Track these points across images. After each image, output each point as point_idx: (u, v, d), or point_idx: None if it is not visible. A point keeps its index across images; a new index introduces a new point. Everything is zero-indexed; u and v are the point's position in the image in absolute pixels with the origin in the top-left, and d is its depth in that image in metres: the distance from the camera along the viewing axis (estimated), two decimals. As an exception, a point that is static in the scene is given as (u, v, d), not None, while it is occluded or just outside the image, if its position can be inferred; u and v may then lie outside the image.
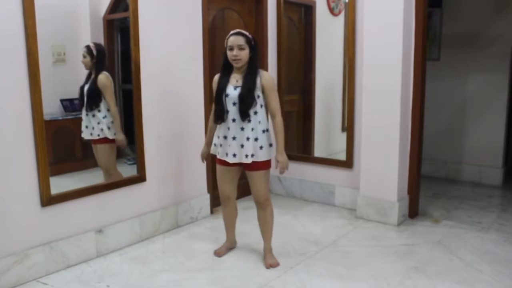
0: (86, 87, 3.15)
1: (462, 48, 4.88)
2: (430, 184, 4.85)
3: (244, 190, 3.90)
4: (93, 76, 3.14)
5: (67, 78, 3.17)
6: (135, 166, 3.38)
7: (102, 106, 3.17)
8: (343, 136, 4.12)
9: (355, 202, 3.95)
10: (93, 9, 3.27)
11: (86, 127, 3.20)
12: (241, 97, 2.68)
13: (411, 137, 3.74)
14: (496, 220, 3.81)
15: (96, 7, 3.28)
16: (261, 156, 2.76)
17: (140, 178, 3.34)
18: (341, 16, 4.57)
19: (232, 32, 2.74)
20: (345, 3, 3.97)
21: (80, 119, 3.19)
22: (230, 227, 3.13)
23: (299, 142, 4.85)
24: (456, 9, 4.90)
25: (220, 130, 2.82)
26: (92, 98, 3.14)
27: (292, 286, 2.67)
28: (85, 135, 3.21)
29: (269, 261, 2.92)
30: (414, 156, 3.76)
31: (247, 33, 2.73)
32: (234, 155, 2.76)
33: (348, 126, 4.00)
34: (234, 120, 2.73)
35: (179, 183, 3.65)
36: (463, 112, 5.01)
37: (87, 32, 3.25)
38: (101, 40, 3.29)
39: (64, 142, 3.24)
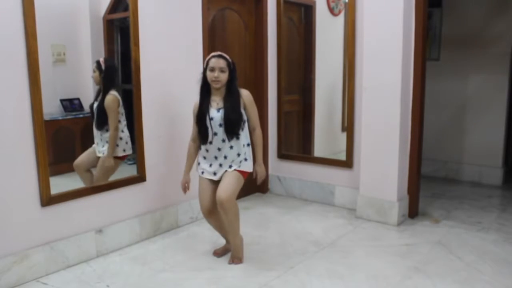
0: (95, 105, 3.16)
1: (462, 48, 4.88)
2: (430, 184, 4.85)
3: (243, 190, 3.89)
4: (101, 94, 3.14)
5: (67, 78, 3.17)
6: (135, 166, 3.38)
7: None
8: (343, 136, 4.12)
9: (355, 202, 3.95)
10: (93, 9, 3.27)
11: (97, 143, 3.22)
12: (226, 117, 2.78)
13: (411, 137, 3.74)
14: (496, 220, 3.81)
15: (96, 7, 3.28)
16: (243, 167, 2.88)
17: (140, 178, 3.34)
18: (341, 16, 4.58)
19: (213, 54, 2.83)
20: (345, 3, 3.97)
21: (80, 119, 3.19)
22: (223, 232, 3.09)
23: (299, 142, 4.86)
24: (456, 9, 4.90)
25: (209, 152, 2.88)
26: (100, 117, 3.15)
27: (292, 286, 2.67)
28: (98, 152, 3.22)
29: (234, 256, 2.96)
30: (414, 156, 3.76)
31: (227, 57, 2.83)
32: (214, 174, 2.89)
33: (348, 126, 4.00)
34: (223, 141, 2.84)
35: (179, 183, 3.63)
36: (463, 112, 5.01)
37: (87, 32, 3.25)
38: (101, 40, 3.29)
39: (64, 142, 3.24)
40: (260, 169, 2.93)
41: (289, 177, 4.48)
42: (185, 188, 3.04)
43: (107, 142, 3.18)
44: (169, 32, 3.46)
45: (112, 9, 3.33)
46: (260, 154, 2.93)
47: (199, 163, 2.98)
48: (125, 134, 3.27)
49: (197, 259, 3.05)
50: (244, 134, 2.88)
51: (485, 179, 4.94)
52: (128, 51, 3.23)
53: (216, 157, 2.87)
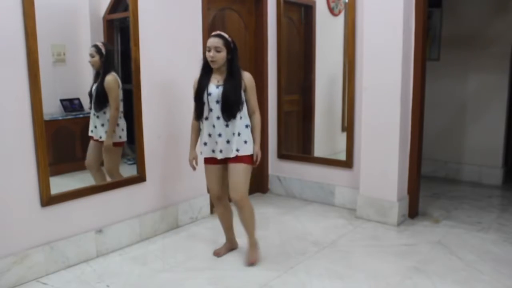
0: (93, 88, 3.15)
1: (462, 48, 4.88)
2: (430, 184, 4.85)
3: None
4: (101, 76, 3.13)
5: (67, 78, 3.17)
6: (135, 166, 3.38)
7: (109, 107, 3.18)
8: (343, 136, 4.12)
9: (355, 202, 3.95)
10: (93, 9, 3.27)
11: (95, 127, 3.21)
12: (224, 95, 2.74)
13: (411, 137, 3.74)
14: (496, 220, 3.81)
15: (96, 7, 3.28)
16: (245, 150, 2.81)
17: (140, 178, 3.34)
18: (341, 16, 4.57)
19: (212, 33, 2.82)
20: (345, 3, 3.97)
21: (80, 119, 3.19)
22: (226, 227, 3.12)
23: (299, 142, 4.86)
24: (456, 9, 4.90)
25: (204, 129, 2.86)
26: (100, 98, 3.14)
27: (292, 286, 2.67)
28: (95, 135, 3.21)
29: (250, 257, 2.94)
30: (414, 156, 3.76)
31: (226, 36, 2.78)
32: (221, 151, 2.81)
33: (348, 126, 4.00)
34: (218, 118, 2.78)
35: (179, 183, 3.65)
36: (463, 112, 5.01)
37: (87, 32, 3.25)
38: (101, 40, 3.28)
39: (64, 142, 3.24)
40: (257, 148, 2.85)
41: (289, 177, 4.48)
42: (193, 165, 2.98)
43: (103, 125, 3.17)
44: (169, 32, 3.46)
45: (112, 9, 3.33)
46: (258, 137, 2.87)
47: (205, 143, 2.89)
48: (122, 121, 3.26)
49: (197, 259, 3.05)
50: (244, 115, 2.81)
51: (485, 179, 4.93)
52: (128, 51, 3.23)
53: (210, 135, 2.83)
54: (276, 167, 4.55)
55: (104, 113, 3.17)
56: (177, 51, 3.54)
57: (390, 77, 3.56)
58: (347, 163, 4.05)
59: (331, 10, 4.80)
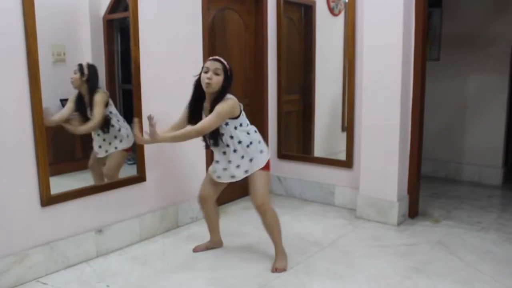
0: (88, 111, 3.12)
1: (462, 48, 4.88)
2: (430, 184, 4.85)
3: (244, 189, 3.89)
4: (87, 97, 3.10)
5: (67, 78, 3.16)
6: (135, 166, 3.38)
7: (112, 121, 3.19)
8: (343, 136, 4.12)
9: (355, 202, 3.95)
10: (93, 9, 3.27)
11: (100, 146, 3.23)
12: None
13: (411, 137, 3.74)
14: (496, 220, 3.82)
15: (96, 7, 3.28)
16: (255, 166, 2.81)
17: (140, 178, 3.34)
18: (341, 16, 4.57)
19: (210, 57, 2.76)
20: (345, 3, 3.97)
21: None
22: (211, 227, 3.15)
23: (299, 142, 4.86)
24: (456, 9, 4.90)
25: (215, 154, 2.90)
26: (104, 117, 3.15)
27: (292, 286, 2.67)
28: (101, 154, 3.23)
29: (276, 264, 2.89)
30: (414, 156, 3.76)
31: (225, 62, 2.72)
32: (233, 177, 2.85)
33: (348, 126, 4.01)
34: (228, 146, 2.79)
35: (179, 183, 3.65)
36: (463, 112, 5.01)
37: (87, 32, 3.25)
38: (101, 40, 3.29)
39: (64, 142, 3.23)
40: (158, 138, 2.65)
41: (289, 177, 4.48)
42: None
43: (115, 137, 3.21)
44: (169, 32, 3.46)
45: (112, 9, 3.33)
46: (170, 137, 2.73)
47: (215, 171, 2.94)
48: (124, 129, 3.26)
49: (197, 259, 3.05)
50: (236, 140, 2.75)
51: (485, 179, 4.94)
52: (128, 51, 3.23)
53: (218, 161, 2.86)
54: (276, 167, 4.55)
55: (112, 126, 3.19)
56: (177, 51, 3.54)
57: (390, 77, 3.56)
58: (347, 163, 4.05)
59: (331, 10, 4.80)
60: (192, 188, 3.74)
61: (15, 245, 2.66)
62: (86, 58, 3.18)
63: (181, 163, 3.64)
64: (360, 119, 3.83)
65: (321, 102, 4.78)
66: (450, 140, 5.10)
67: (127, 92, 3.32)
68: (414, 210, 3.86)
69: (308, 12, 4.75)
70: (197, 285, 2.70)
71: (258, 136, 2.86)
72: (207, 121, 2.66)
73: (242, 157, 2.79)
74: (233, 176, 2.84)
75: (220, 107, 2.65)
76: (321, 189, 4.26)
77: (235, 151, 2.78)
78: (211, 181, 2.98)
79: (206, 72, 2.68)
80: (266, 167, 2.84)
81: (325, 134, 4.88)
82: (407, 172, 3.79)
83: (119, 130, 3.24)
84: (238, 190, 4.13)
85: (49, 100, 2.86)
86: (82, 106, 3.09)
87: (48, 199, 2.77)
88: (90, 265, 2.96)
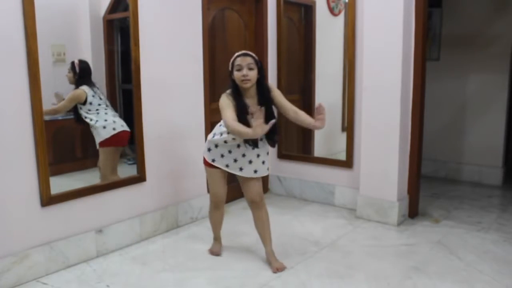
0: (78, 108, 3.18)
1: (462, 48, 4.88)
2: (430, 184, 4.85)
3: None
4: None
5: (67, 78, 3.17)
6: (135, 166, 3.38)
7: (88, 114, 3.17)
8: (343, 136, 4.12)
9: (355, 202, 3.95)
10: (93, 9, 3.27)
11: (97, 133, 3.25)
12: (273, 130, 2.58)
13: (411, 137, 3.74)
14: (496, 220, 3.81)
15: (96, 7, 3.28)
16: (262, 172, 2.87)
17: (140, 178, 3.34)
18: (341, 16, 4.57)
19: (238, 53, 2.68)
20: (345, 3, 3.97)
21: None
22: (219, 229, 3.14)
23: (299, 142, 4.85)
24: (456, 9, 4.90)
25: (226, 144, 2.77)
26: (75, 112, 3.17)
27: (292, 286, 2.67)
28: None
29: (275, 264, 2.88)
30: (414, 156, 3.76)
31: (254, 54, 2.68)
32: (241, 169, 2.81)
33: (348, 126, 4.00)
34: (261, 139, 2.77)
35: (179, 183, 3.65)
36: (463, 112, 5.01)
37: (87, 32, 3.25)
38: (101, 40, 3.29)
39: (64, 142, 3.24)
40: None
41: (289, 177, 4.48)
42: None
43: (95, 129, 3.21)
44: (169, 32, 3.46)
45: (112, 9, 3.33)
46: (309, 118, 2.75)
47: (209, 149, 2.82)
48: (108, 115, 3.25)
49: (197, 259, 3.05)
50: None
51: (485, 179, 4.93)
52: (128, 51, 3.23)
53: (230, 152, 2.78)
54: (276, 167, 4.55)
55: (91, 120, 3.18)
56: (177, 51, 3.54)
57: (390, 77, 3.56)
58: (347, 163, 4.05)
59: (331, 10, 4.80)
60: (192, 188, 3.74)
61: (15, 245, 2.66)
62: (86, 58, 3.19)
63: (181, 163, 3.64)
64: (360, 119, 3.83)
65: (321, 102, 4.77)
66: (450, 140, 5.10)
67: (127, 92, 3.33)
68: (414, 210, 3.86)
69: (308, 12, 4.75)
70: (197, 285, 2.70)
71: None
72: (287, 102, 2.76)
73: (258, 156, 2.80)
74: (256, 171, 2.81)
75: (275, 92, 2.75)
76: (321, 189, 4.26)
77: (258, 155, 2.80)
78: (223, 182, 2.91)
79: (239, 70, 2.62)
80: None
81: (325, 134, 4.88)
82: (407, 172, 3.79)
83: (96, 122, 3.21)
84: (238, 190, 4.12)
85: (49, 100, 2.86)
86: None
87: (48, 199, 2.77)
88: (90, 265, 2.96)
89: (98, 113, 3.21)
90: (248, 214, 3.73)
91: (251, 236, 3.34)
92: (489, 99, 4.84)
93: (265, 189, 4.58)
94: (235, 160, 2.80)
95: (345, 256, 3.10)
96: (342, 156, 4.12)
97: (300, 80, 4.78)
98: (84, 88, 3.14)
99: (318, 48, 4.70)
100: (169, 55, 3.48)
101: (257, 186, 2.87)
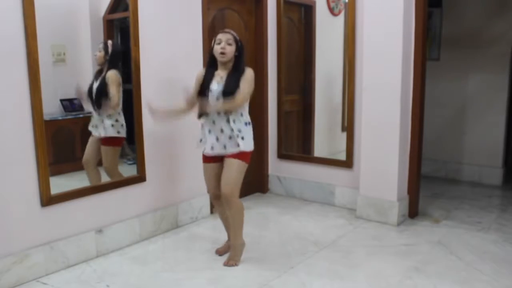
0: (95, 85, 3.15)
1: (462, 48, 4.88)
2: (430, 184, 4.85)
3: (243, 190, 3.88)
4: (103, 73, 3.15)
5: (67, 78, 3.17)
6: (135, 166, 3.38)
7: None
8: (343, 136, 4.12)
9: (355, 202, 3.95)
10: (93, 9, 3.27)
11: (96, 125, 3.21)
12: (224, 93, 2.77)
13: (411, 137, 3.74)
14: (496, 220, 3.82)
15: (96, 7, 3.28)
16: (243, 146, 2.81)
17: (140, 178, 3.34)
18: (341, 16, 4.57)
19: (221, 31, 2.88)
20: (345, 3, 3.97)
21: (80, 119, 3.19)
22: (227, 225, 3.11)
23: (299, 142, 4.86)
24: (456, 9, 4.90)
25: (204, 126, 2.88)
26: (101, 94, 3.14)
27: (292, 286, 2.67)
28: (95, 132, 3.22)
29: (229, 259, 2.94)
30: (414, 156, 3.76)
31: (235, 34, 2.85)
32: (225, 147, 2.83)
33: (348, 126, 4.00)
34: (219, 114, 2.80)
35: (179, 183, 3.65)
36: (463, 112, 5.01)
37: (87, 32, 3.25)
38: (101, 40, 3.28)
39: (64, 142, 3.24)
40: (214, 106, 2.77)
41: (289, 177, 4.48)
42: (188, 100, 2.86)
43: (103, 121, 3.17)
44: (169, 32, 3.46)
45: (112, 9, 3.33)
46: (225, 105, 2.75)
47: (201, 140, 2.94)
48: (121, 117, 3.25)
49: (197, 259, 3.05)
50: (245, 112, 2.85)
51: (485, 179, 4.93)
52: (128, 51, 3.23)
53: (210, 131, 2.84)
54: (276, 167, 4.55)
55: (105, 110, 3.16)
56: (177, 51, 3.54)
57: (390, 77, 3.56)
58: (347, 163, 4.05)
59: (331, 10, 4.80)
60: (192, 188, 3.74)
61: (15, 245, 2.65)
62: (86, 58, 3.19)
63: (181, 163, 3.64)
64: (360, 119, 3.83)
65: (321, 102, 4.78)
66: (450, 140, 5.10)
67: (127, 92, 3.32)
68: (414, 210, 3.86)
69: (308, 12, 4.75)
70: (197, 285, 2.70)
71: (249, 120, 2.90)
72: (244, 89, 2.77)
73: (239, 131, 2.80)
74: (225, 147, 2.82)
75: (247, 76, 2.80)
76: (321, 189, 4.26)
77: (234, 121, 2.80)
78: (214, 176, 2.93)
79: (219, 44, 2.79)
80: (246, 157, 2.85)
81: (325, 134, 4.89)
82: (407, 172, 3.79)
83: (109, 116, 3.22)
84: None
85: (49, 100, 2.86)
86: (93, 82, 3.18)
87: (48, 199, 2.77)
88: (90, 265, 2.96)
89: (120, 108, 3.23)
90: (248, 213, 3.73)
91: (251, 236, 3.34)
92: (489, 99, 4.84)
93: (265, 189, 4.59)
94: (206, 140, 2.88)
95: (345, 256, 3.10)
96: (342, 156, 4.12)
97: (300, 80, 4.79)
98: (117, 71, 3.17)
99: (318, 48, 4.71)
100: (169, 55, 3.48)
101: (226, 177, 2.81)
